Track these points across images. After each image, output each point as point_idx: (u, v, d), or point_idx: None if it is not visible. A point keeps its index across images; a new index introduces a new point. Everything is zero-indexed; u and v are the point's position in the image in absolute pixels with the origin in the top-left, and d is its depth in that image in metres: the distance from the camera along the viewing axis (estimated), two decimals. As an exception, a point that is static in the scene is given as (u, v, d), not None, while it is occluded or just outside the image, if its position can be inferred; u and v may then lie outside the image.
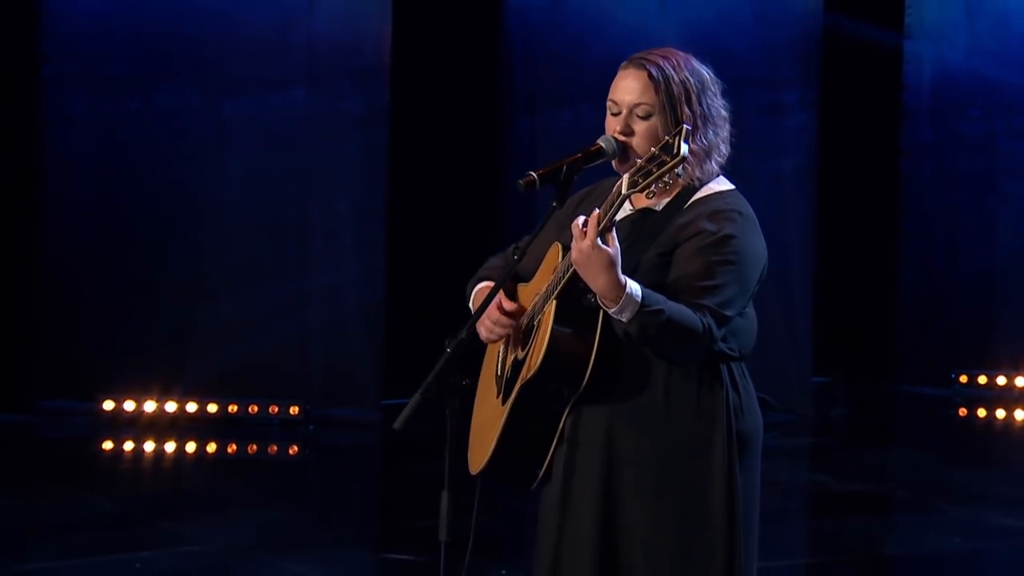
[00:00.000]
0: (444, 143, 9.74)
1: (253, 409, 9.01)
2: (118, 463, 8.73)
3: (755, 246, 3.47)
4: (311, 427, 9.03)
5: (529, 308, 3.48)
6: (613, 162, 3.45)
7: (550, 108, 9.98)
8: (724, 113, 3.55)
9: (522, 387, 3.40)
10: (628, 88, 3.48)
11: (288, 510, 7.31)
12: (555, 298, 3.37)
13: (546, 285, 3.43)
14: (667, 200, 3.49)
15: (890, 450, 9.45)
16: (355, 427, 9.15)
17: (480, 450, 3.53)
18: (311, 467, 8.76)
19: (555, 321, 3.35)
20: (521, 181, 3.38)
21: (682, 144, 3.22)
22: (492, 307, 3.50)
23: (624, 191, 3.27)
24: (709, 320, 3.30)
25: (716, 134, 3.51)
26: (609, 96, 3.53)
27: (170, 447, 8.63)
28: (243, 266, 9.12)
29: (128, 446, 8.71)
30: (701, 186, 3.50)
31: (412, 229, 9.58)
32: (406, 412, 3.27)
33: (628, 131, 3.47)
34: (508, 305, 3.51)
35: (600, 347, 3.35)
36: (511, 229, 9.76)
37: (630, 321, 3.24)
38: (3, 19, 9.10)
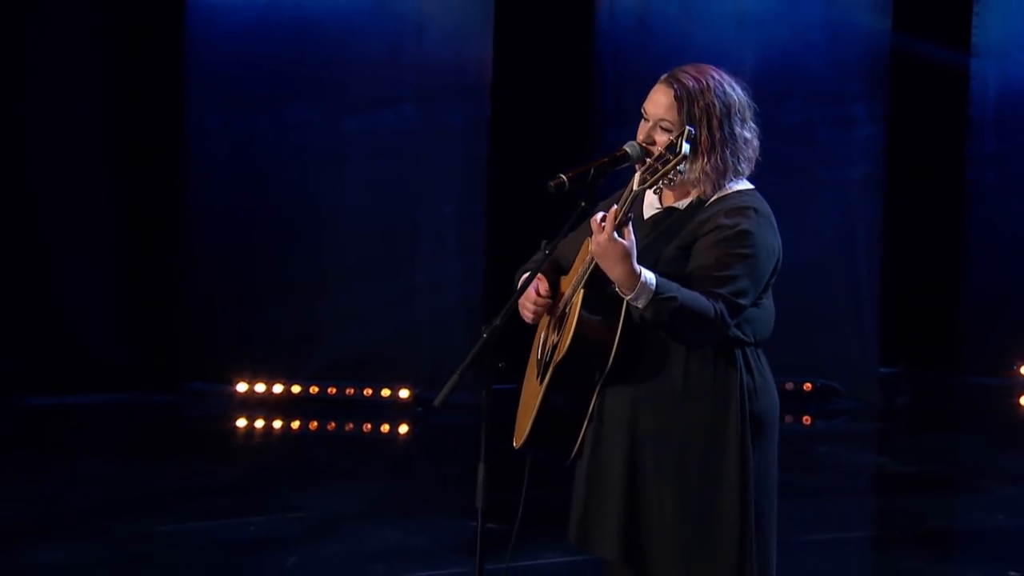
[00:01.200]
0: (538, 154, 9.70)
1: (367, 392, 9.08)
2: (247, 438, 8.85)
3: (769, 241, 3.42)
4: (419, 409, 9.07)
5: (564, 296, 3.49)
6: (637, 166, 3.42)
7: (636, 121, 9.91)
8: (748, 135, 3.49)
9: (555, 368, 3.40)
10: (657, 102, 3.46)
11: (394, 482, 7.33)
12: (582, 287, 3.36)
13: (575, 274, 3.44)
14: (689, 199, 3.47)
15: (949, 435, 9.27)
16: (458, 409, 9.11)
17: (522, 426, 3.54)
18: (418, 445, 8.78)
19: (582, 308, 3.35)
20: (551, 183, 3.37)
21: (684, 144, 3.21)
22: (531, 291, 3.52)
23: (635, 188, 3.27)
24: (721, 307, 3.27)
25: (735, 156, 3.45)
26: (643, 105, 3.50)
27: (294, 425, 8.73)
28: (359, 264, 9.18)
29: (258, 424, 8.82)
30: (723, 186, 3.47)
31: (509, 231, 9.55)
32: (445, 391, 3.28)
33: (651, 140, 3.46)
34: (544, 288, 3.51)
35: (623, 332, 3.34)
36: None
37: (645, 307, 3.22)
38: (154, 48, 9.27)
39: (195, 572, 5.73)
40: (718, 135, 3.42)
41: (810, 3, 9.84)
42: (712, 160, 3.42)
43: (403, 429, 8.87)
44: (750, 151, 3.50)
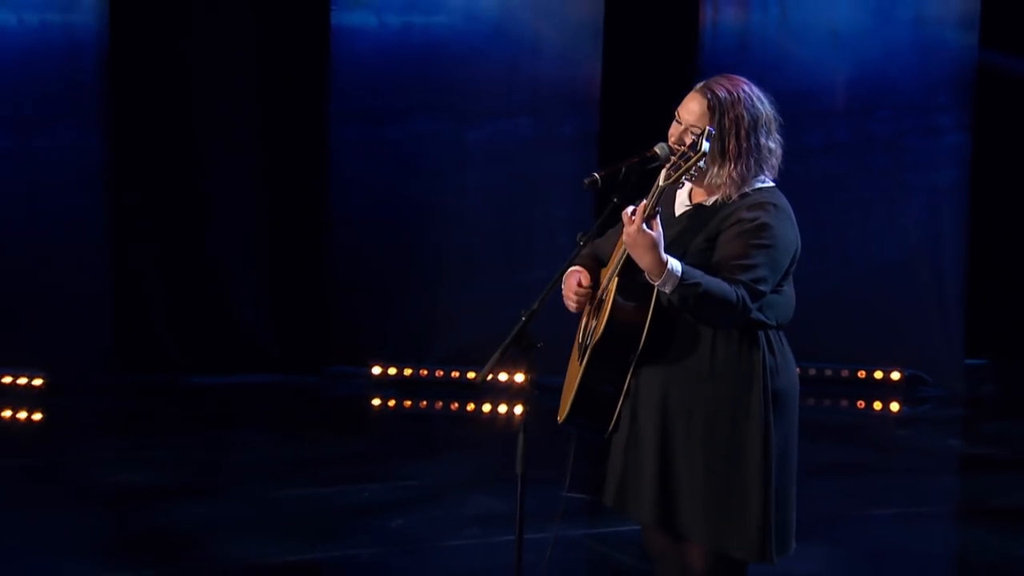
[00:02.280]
0: (644, 162, 9.73)
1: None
2: (379, 416, 8.96)
3: (787, 233, 3.41)
4: (536, 392, 9.06)
5: (602, 285, 3.51)
6: (665, 165, 3.42)
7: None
8: (772, 146, 3.45)
9: (592, 350, 3.42)
10: (691, 109, 3.44)
11: (501, 456, 7.38)
12: (616, 276, 3.38)
13: (612, 266, 3.45)
14: (715, 197, 3.46)
15: (1024, 422, 9.06)
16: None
17: (564, 403, 3.57)
18: (530, 424, 8.79)
19: (616, 294, 3.36)
20: (586, 180, 3.39)
21: (704, 143, 3.20)
22: (573, 283, 3.54)
23: (660, 183, 3.27)
24: (743, 292, 3.26)
25: (759, 164, 3.42)
26: (677, 109, 3.49)
27: (421, 404, 8.83)
28: (479, 260, 9.23)
29: (390, 403, 8.96)
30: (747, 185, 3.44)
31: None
32: (487, 368, 3.34)
33: (680, 142, 3.44)
34: (584, 279, 3.53)
35: (653, 316, 3.34)
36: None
37: (672, 292, 3.22)
38: (303, 69, 9.45)
39: (308, 531, 5.80)
40: (745, 145, 3.39)
41: (900, 21, 9.63)
42: (739, 167, 3.39)
43: (518, 410, 8.91)
44: (774, 160, 3.47)
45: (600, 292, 3.48)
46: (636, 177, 3.40)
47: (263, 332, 9.53)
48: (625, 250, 3.32)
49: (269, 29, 9.38)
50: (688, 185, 3.49)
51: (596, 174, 3.38)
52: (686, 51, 9.77)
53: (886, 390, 9.39)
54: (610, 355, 3.42)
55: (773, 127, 3.44)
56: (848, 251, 9.66)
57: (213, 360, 9.30)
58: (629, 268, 3.35)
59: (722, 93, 3.39)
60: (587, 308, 3.56)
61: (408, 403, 8.87)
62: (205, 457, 7.36)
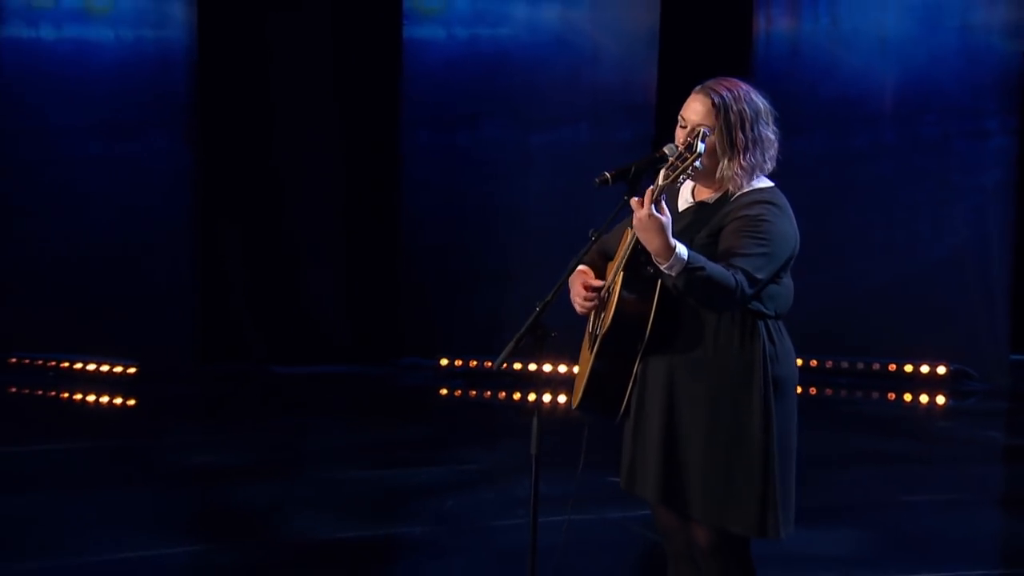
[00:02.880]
0: (698, 165, 9.69)
1: (546, 367, 9.15)
2: (445, 405, 9.02)
3: (784, 229, 3.40)
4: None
5: (608, 279, 3.53)
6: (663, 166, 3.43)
7: (787, 136, 9.74)
8: (772, 136, 3.46)
9: (601, 340, 3.44)
10: (695, 110, 3.44)
11: (555, 442, 7.40)
12: (621, 270, 3.39)
13: (618, 260, 3.47)
14: (718, 195, 3.47)
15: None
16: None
17: (577, 390, 3.58)
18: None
19: (622, 288, 3.37)
20: (597, 179, 3.40)
21: (700, 144, 3.22)
22: (580, 285, 3.53)
23: (660, 183, 3.29)
24: (741, 279, 3.26)
25: (763, 154, 3.43)
26: (680, 112, 3.50)
27: (486, 394, 8.88)
28: (541, 258, 9.21)
29: (456, 393, 9.02)
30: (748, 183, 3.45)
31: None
32: (503, 355, 3.38)
33: (691, 143, 3.45)
34: (594, 283, 3.52)
35: (657, 308, 3.36)
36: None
37: (678, 276, 3.22)
38: (377, 78, 9.55)
39: (366, 510, 5.87)
40: (751, 135, 3.40)
41: (947, 29, 9.50)
42: (747, 157, 3.40)
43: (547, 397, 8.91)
44: (773, 150, 3.47)
45: (607, 285, 3.50)
46: (646, 176, 3.42)
47: (338, 325, 9.65)
48: (630, 245, 3.34)
49: (346, 43, 9.48)
50: (690, 183, 3.51)
51: (607, 173, 3.38)
52: (740, 59, 9.70)
53: (932, 384, 9.27)
54: (618, 345, 3.43)
55: (770, 119, 3.46)
56: (896, 250, 9.55)
57: (291, 351, 9.43)
58: (634, 262, 3.37)
59: (723, 92, 3.42)
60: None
61: (473, 393, 8.92)
62: (278, 441, 7.45)
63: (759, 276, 3.31)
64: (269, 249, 9.53)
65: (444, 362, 9.30)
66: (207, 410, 8.57)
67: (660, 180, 3.28)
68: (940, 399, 9.07)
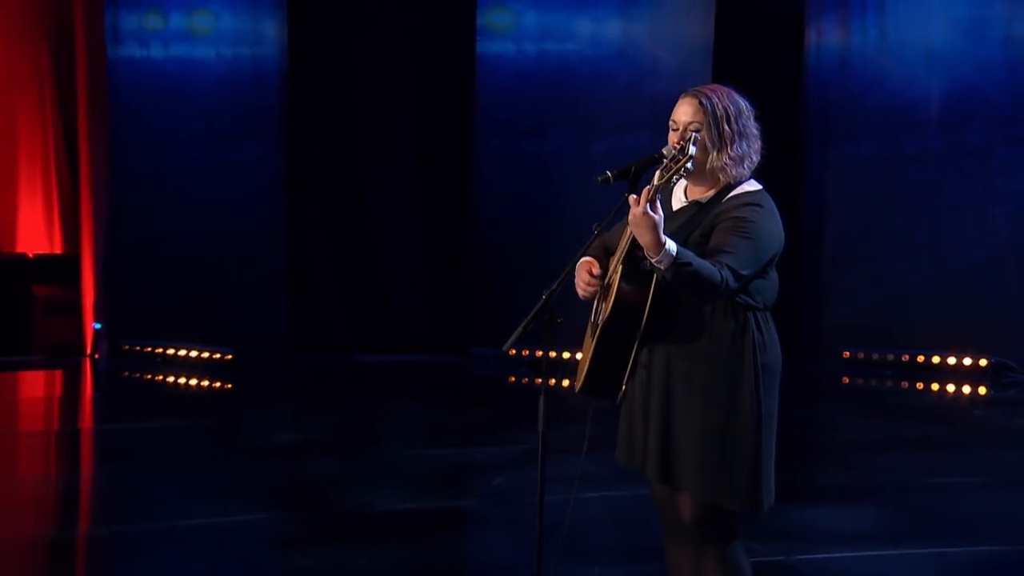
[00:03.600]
0: (754, 171, 9.62)
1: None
2: (511, 391, 9.09)
3: (770, 228, 3.40)
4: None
5: (609, 271, 3.58)
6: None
7: (837, 143, 9.71)
8: (755, 132, 3.46)
9: (601, 328, 3.47)
10: (685, 111, 3.47)
11: (609, 427, 7.42)
12: (620, 263, 3.44)
13: (618, 254, 3.52)
14: (710, 195, 3.47)
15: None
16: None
17: (579, 374, 3.63)
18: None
19: (620, 279, 3.40)
20: (599, 178, 3.40)
21: (691, 147, 3.26)
22: (584, 272, 3.58)
23: (655, 182, 3.32)
24: (727, 274, 3.27)
25: (749, 146, 3.44)
26: (671, 117, 3.51)
27: (551, 381, 8.92)
28: (602, 257, 9.30)
29: (523, 380, 9.10)
30: (736, 186, 3.46)
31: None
32: (512, 339, 3.46)
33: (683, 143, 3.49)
34: (595, 270, 3.55)
35: (653, 299, 3.39)
36: (801, 229, 9.62)
37: (667, 269, 3.24)
38: (451, 91, 9.69)
39: (422, 485, 5.95)
40: (736, 128, 3.42)
41: (990, 41, 9.35)
42: (734, 148, 3.42)
43: (565, 382, 8.92)
44: (757, 144, 3.47)
45: (607, 277, 3.55)
46: (645, 175, 3.47)
47: (417, 317, 9.79)
48: (629, 240, 3.38)
49: (424, 58, 9.62)
50: (683, 183, 3.54)
51: (608, 172, 3.41)
52: (792, 70, 9.69)
53: (974, 375, 9.14)
54: (617, 332, 3.44)
55: (751, 116, 3.47)
56: (940, 250, 9.44)
57: (373, 341, 9.60)
58: (632, 256, 3.40)
59: (708, 92, 3.45)
60: (598, 292, 3.64)
61: (538, 380, 9.00)
62: (353, 422, 7.58)
63: (744, 272, 3.33)
64: (354, 248, 9.71)
65: (512, 352, 9.35)
66: (294, 394, 8.76)
67: (655, 180, 3.31)
68: (981, 390, 8.93)
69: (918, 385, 9.11)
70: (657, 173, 3.34)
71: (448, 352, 9.59)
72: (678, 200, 3.56)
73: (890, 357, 9.49)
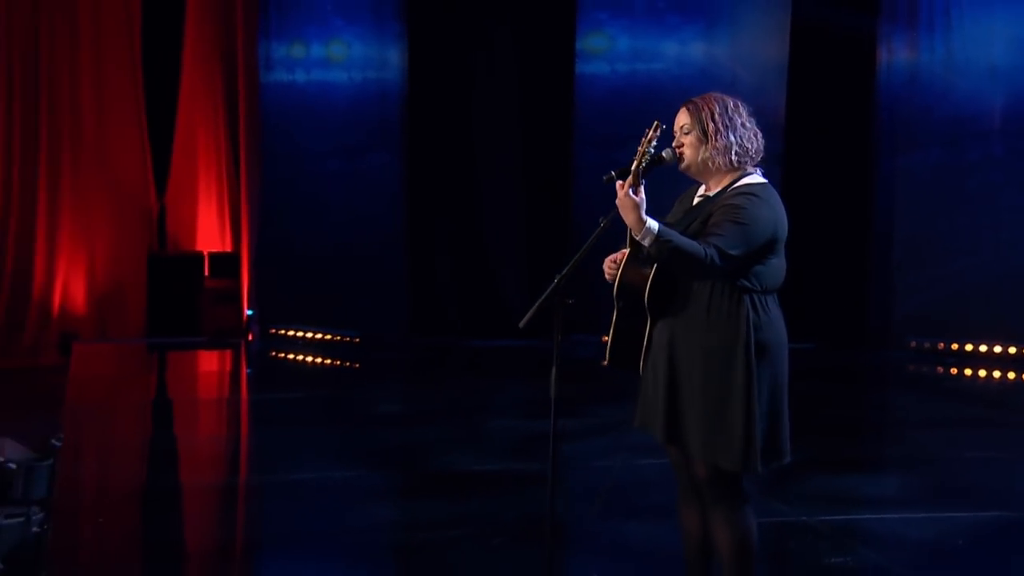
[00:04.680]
0: (823, 178, 9.50)
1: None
2: (600, 373, 9.00)
3: (761, 214, 3.37)
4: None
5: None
6: (679, 166, 3.51)
7: (905, 152, 9.49)
8: (748, 125, 3.45)
9: (617, 307, 3.53)
10: (679, 118, 3.51)
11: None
12: (627, 248, 3.50)
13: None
14: (717, 190, 3.49)
15: None
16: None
17: (608, 350, 3.67)
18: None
19: (626, 263, 3.46)
20: (605, 177, 3.43)
21: (655, 149, 3.35)
22: (609, 259, 3.56)
23: (632, 169, 3.38)
24: (713, 252, 3.27)
25: (737, 136, 3.42)
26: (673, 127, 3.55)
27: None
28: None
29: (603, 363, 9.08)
30: (741, 179, 3.45)
31: (797, 230, 9.37)
32: (528, 316, 3.53)
33: (679, 145, 3.50)
34: (619, 257, 3.55)
35: (654, 280, 3.41)
36: (872, 230, 9.43)
37: (651, 245, 3.28)
38: (553, 106, 9.72)
39: (499, 450, 6.04)
40: (720, 121, 3.42)
41: (1054, 55, 9.08)
42: (718, 139, 3.41)
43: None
44: (749, 135, 3.43)
45: (621, 260, 3.59)
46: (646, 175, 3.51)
47: (523, 307, 9.85)
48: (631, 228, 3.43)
49: (529, 77, 9.74)
50: (702, 186, 3.58)
51: (612, 172, 3.44)
52: (864, 86, 9.52)
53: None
54: (627, 310, 3.49)
55: (743, 111, 3.45)
56: (1002, 248, 9.15)
57: (484, 327, 9.75)
58: (635, 241, 3.44)
59: (697, 100, 3.48)
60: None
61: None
62: (453, 397, 7.71)
63: (732, 252, 3.30)
64: (467, 245, 9.87)
65: (605, 338, 9.35)
66: (408, 373, 8.97)
67: (633, 166, 3.37)
68: (1038, 377, 8.65)
69: (978, 372, 8.86)
70: (633, 162, 3.38)
71: (549, 338, 9.63)
72: (697, 196, 3.58)
73: (953, 346, 9.26)
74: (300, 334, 9.85)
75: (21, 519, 4.41)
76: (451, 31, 9.63)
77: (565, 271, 3.49)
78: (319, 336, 9.76)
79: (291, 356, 9.51)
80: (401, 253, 9.72)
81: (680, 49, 9.38)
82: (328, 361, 9.26)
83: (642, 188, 3.31)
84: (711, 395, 3.43)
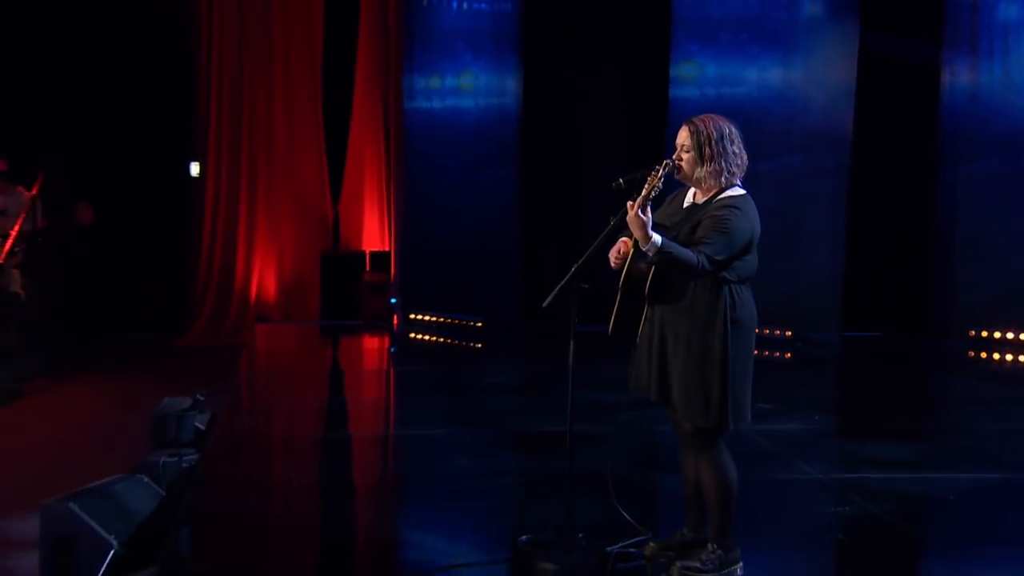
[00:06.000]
0: (888, 188, 9.35)
1: (765, 331, 9.07)
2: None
3: (741, 225, 3.55)
4: (798, 344, 9.05)
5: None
6: (675, 175, 3.69)
7: (967, 162, 9.28)
8: (737, 151, 3.62)
9: (621, 291, 3.80)
10: (681, 136, 3.68)
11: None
12: (632, 247, 3.74)
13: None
14: (705, 198, 3.70)
15: None
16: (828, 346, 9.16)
17: (611, 323, 3.86)
18: (791, 366, 8.57)
19: (631, 260, 3.69)
20: (614, 184, 3.62)
21: (663, 172, 3.52)
22: (614, 250, 3.80)
23: (643, 193, 3.54)
24: (703, 259, 3.49)
25: (727, 162, 3.61)
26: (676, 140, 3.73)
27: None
28: (764, 254, 9.25)
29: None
30: (724, 191, 3.65)
31: (860, 234, 9.32)
32: (549, 299, 3.81)
33: (679, 158, 3.69)
34: (624, 249, 3.77)
35: (654, 274, 3.66)
36: (936, 231, 9.25)
37: (654, 255, 3.51)
38: (650, 125, 9.63)
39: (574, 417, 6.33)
40: (717, 148, 3.58)
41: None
42: (713, 164, 3.59)
43: (787, 355, 8.88)
44: (739, 160, 3.62)
45: (627, 254, 3.84)
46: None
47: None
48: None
49: (631, 102, 9.85)
50: (692, 188, 3.79)
51: (621, 179, 3.63)
52: (929, 104, 9.36)
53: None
54: (631, 294, 3.74)
55: (736, 139, 3.60)
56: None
57: (585, 314, 9.83)
58: (639, 243, 3.70)
59: (697, 121, 3.62)
60: (622, 265, 3.91)
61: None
62: (547, 374, 7.79)
63: (718, 257, 3.52)
64: (572, 245, 9.97)
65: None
66: (517, 353, 9.20)
67: (643, 192, 3.56)
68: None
69: (1022, 358, 8.62)
70: (644, 190, 3.57)
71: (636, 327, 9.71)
72: (687, 201, 3.78)
73: (1009, 336, 9.03)
74: (433, 319, 10.25)
75: (175, 458, 5.00)
76: (560, 61, 9.87)
77: (580, 262, 3.75)
78: (448, 320, 10.12)
79: (425, 337, 9.87)
80: (516, 252, 9.93)
81: (760, 75, 9.41)
82: (455, 342, 9.62)
83: (648, 208, 3.50)
84: (693, 364, 3.64)
